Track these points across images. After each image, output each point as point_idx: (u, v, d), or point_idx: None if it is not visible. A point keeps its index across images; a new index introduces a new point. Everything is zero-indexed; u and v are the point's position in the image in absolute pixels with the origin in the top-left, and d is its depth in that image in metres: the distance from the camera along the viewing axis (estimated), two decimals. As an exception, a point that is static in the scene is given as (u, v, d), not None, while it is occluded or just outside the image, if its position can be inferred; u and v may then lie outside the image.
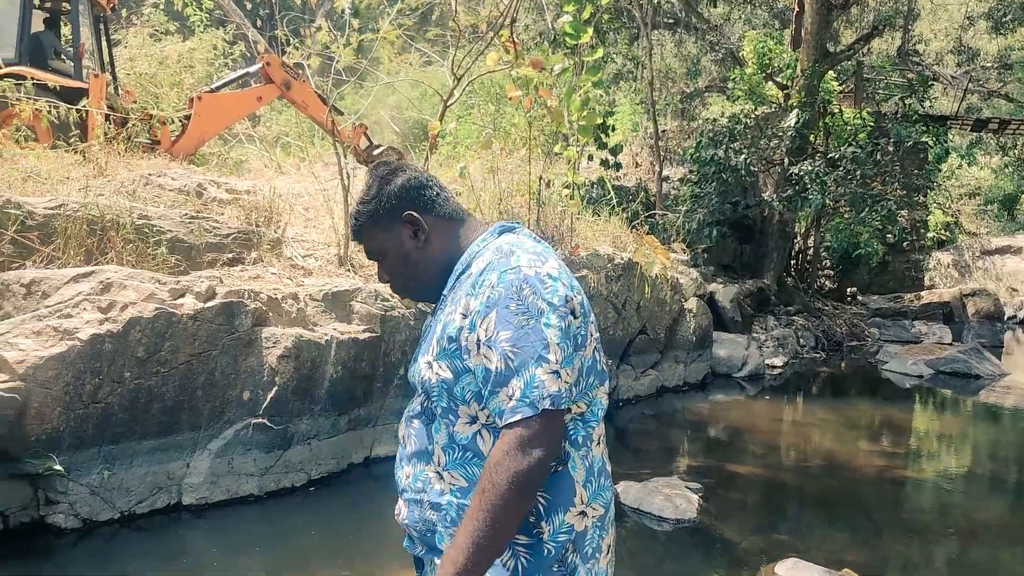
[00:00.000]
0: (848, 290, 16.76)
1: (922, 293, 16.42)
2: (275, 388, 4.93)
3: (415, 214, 1.63)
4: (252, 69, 10.35)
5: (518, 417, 1.39)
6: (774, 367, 11.23)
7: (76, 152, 7.35)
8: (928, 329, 14.52)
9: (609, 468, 1.65)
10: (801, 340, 12.75)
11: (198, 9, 13.10)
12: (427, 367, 1.55)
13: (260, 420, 4.86)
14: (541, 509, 1.49)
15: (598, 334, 1.61)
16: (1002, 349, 14.43)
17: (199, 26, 13.12)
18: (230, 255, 6.03)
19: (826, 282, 16.99)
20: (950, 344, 13.37)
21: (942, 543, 5.31)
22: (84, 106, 8.24)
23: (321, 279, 6.02)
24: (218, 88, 10.47)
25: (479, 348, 1.46)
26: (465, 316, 1.50)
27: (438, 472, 1.54)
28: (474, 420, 1.50)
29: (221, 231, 6.12)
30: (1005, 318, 17.05)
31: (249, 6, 17.88)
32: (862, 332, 14.35)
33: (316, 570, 4.20)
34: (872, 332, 14.44)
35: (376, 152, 10.75)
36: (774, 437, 8.11)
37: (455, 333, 1.51)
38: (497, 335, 1.43)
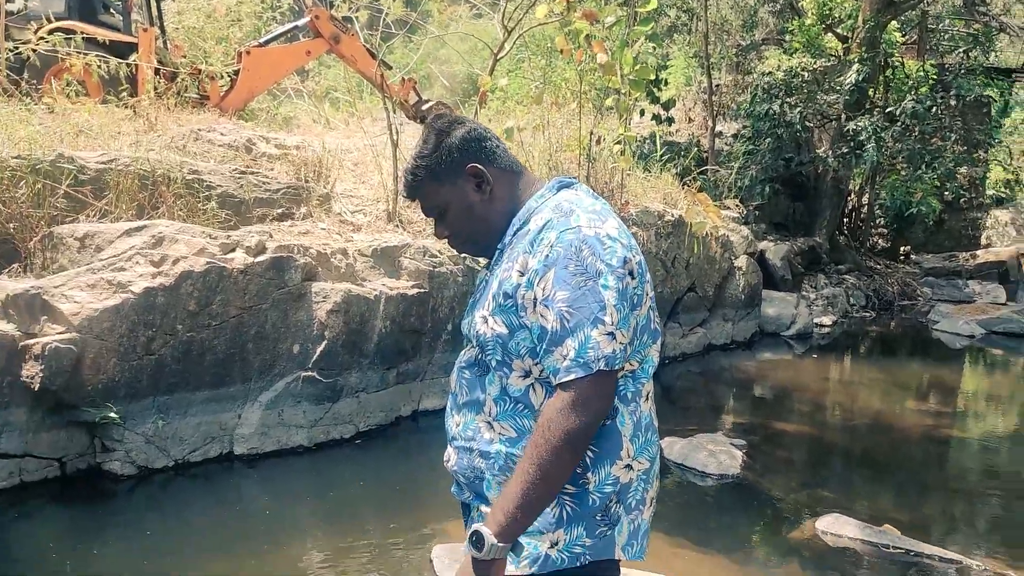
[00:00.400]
0: (902, 248, 16.28)
1: (977, 252, 15.86)
2: (324, 342, 4.99)
3: (479, 166, 1.60)
4: (300, 23, 10.29)
5: (572, 377, 1.40)
6: (823, 326, 11.04)
7: (126, 107, 7.43)
8: (982, 288, 14.07)
9: (656, 423, 1.66)
10: (851, 299, 12.48)
11: (246, -39, 13.05)
12: (482, 321, 1.55)
13: (310, 373, 4.93)
14: (588, 460, 1.50)
15: (653, 293, 1.60)
16: (1060, 310, 13.97)
17: (247, -23, 13.08)
18: (280, 210, 6.07)
19: (879, 240, 16.52)
20: (1004, 304, 12.98)
21: (985, 504, 5.22)
22: (134, 61, 8.31)
23: (370, 235, 6.03)
24: (267, 42, 10.44)
25: (535, 306, 1.46)
26: (522, 274, 1.49)
27: (488, 422, 1.55)
28: (527, 374, 1.52)
29: (271, 186, 6.16)
30: (1064, 278, 16.42)
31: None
32: (914, 291, 13.98)
33: (365, 520, 4.29)
34: (924, 291, 14.05)
35: (425, 107, 10.67)
36: (820, 396, 8.00)
37: (511, 290, 1.50)
38: (554, 295, 1.43)
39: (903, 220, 14.95)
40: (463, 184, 1.61)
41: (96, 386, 4.11)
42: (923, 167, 12.27)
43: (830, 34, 13.45)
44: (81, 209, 5.16)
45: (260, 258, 4.79)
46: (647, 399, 1.59)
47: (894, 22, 13.43)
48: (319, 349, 4.95)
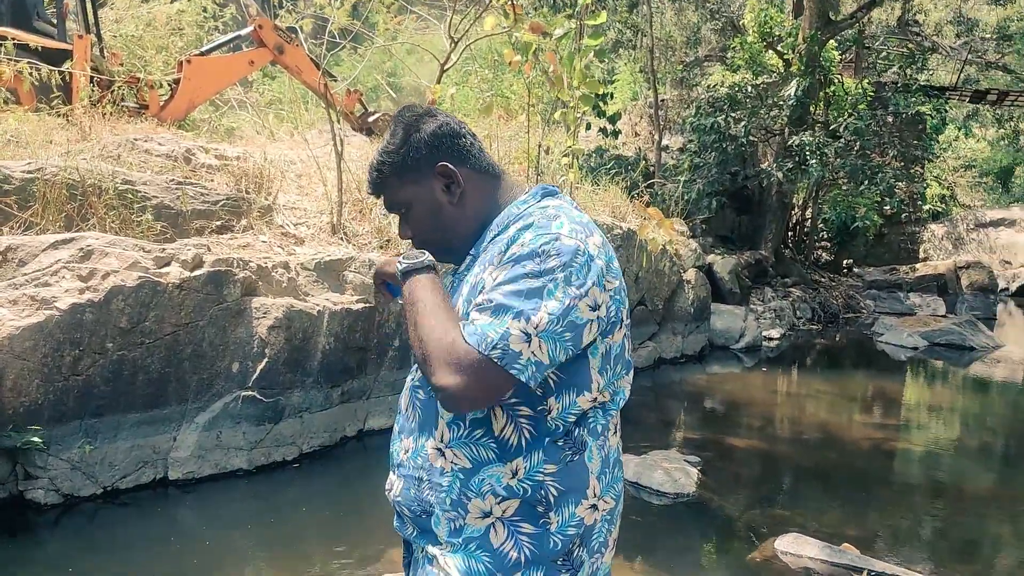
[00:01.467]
0: (844, 262, 16.67)
1: (917, 265, 16.34)
2: (265, 360, 4.78)
3: (449, 166, 1.47)
4: (243, 32, 10.06)
5: (467, 338, 1.28)
6: (771, 339, 11.15)
7: (59, 115, 7.11)
8: (923, 301, 14.46)
9: (622, 458, 1.53)
10: (798, 312, 12.66)
11: (186, -31, 12.76)
12: None
13: (250, 392, 4.71)
14: (552, 499, 1.36)
15: (629, 321, 1.47)
16: (995, 321, 14.43)
17: (188, -14, 12.77)
18: (219, 223, 5.84)
19: (823, 254, 16.88)
20: (944, 316, 13.34)
21: (937, 514, 5.26)
22: (68, 68, 7.98)
23: (313, 247, 5.84)
24: (208, 51, 10.19)
25: (481, 289, 1.35)
26: (492, 273, 1.36)
27: (439, 449, 1.40)
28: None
29: (209, 198, 5.92)
30: (998, 290, 17.01)
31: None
32: (858, 304, 14.28)
33: (308, 547, 4.09)
34: (868, 304, 14.37)
35: (371, 119, 10.51)
36: (771, 409, 8.04)
37: (481, 285, 1.38)
38: (500, 286, 1.31)
39: (846, 233, 15.30)
40: (430, 183, 1.48)
41: (17, 409, 3.84)
42: (865, 182, 12.56)
43: (771, 52, 13.72)
44: (4, 221, 4.87)
45: (197, 272, 4.56)
46: (615, 432, 1.47)
47: (832, 41, 13.77)
48: (259, 367, 4.74)
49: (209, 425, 4.56)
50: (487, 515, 1.36)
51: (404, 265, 1.43)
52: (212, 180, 6.38)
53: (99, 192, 5.17)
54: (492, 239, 1.45)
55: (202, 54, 9.93)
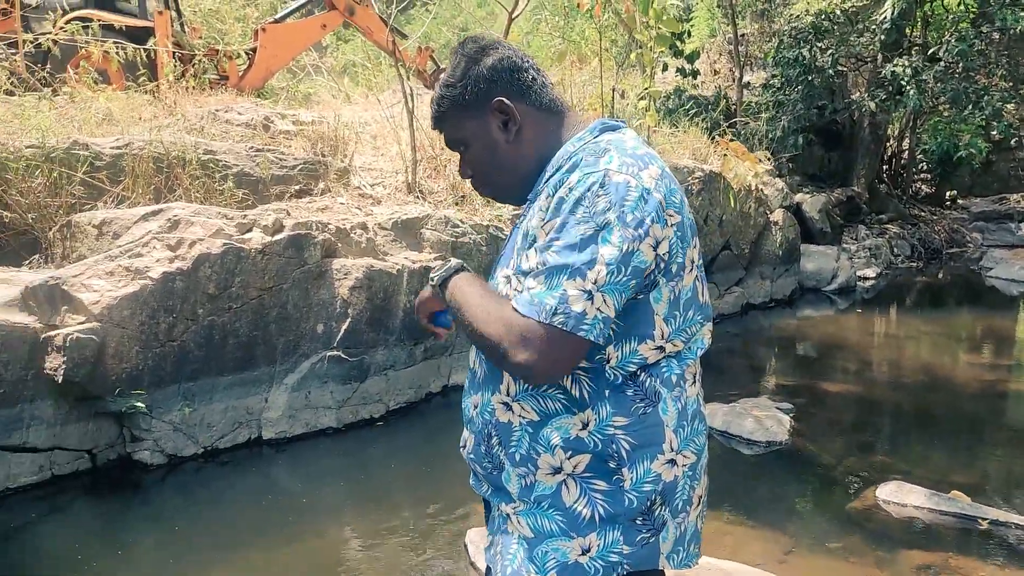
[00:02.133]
0: (948, 194, 15.72)
1: (1030, 193, 15.26)
2: (348, 320, 4.86)
3: (506, 101, 1.39)
4: None
5: (522, 310, 1.23)
6: (866, 279, 10.68)
7: (146, 92, 7.34)
8: (1037, 231, 13.56)
9: (705, 410, 1.44)
10: (895, 249, 12.07)
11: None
12: (504, 281, 1.36)
13: (335, 352, 4.81)
14: (624, 454, 1.29)
15: (701, 261, 1.38)
16: (1121, 250, 13.38)
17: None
18: (297, 187, 5.94)
19: (923, 187, 15.97)
20: (1061, 247, 12.48)
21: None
22: (151, 46, 8.20)
23: (390, 207, 5.87)
24: (282, 18, 10.31)
25: (533, 242, 1.30)
26: (542, 219, 1.30)
27: (506, 402, 1.35)
28: None
29: (287, 163, 6.02)
30: (1123, 216, 15.74)
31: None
32: (963, 238, 13.51)
33: (397, 501, 4.17)
34: (975, 237, 13.58)
35: (444, 75, 10.46)
36: (868, 352, 7.72)
37: (530, 236, 1.32)
38: (553, 240, 1.24)
39: (948, 164, 14.41)
40: (488, 119, 1.41)
41: (120, 375, 4.02)
42: (969, 107, 11.71)
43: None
44: (99, 196, 5.08)
45: (278, 237, 4.65)
46: (694, 382, 1.38)
47: (931, -45, 12.79)
48: (343, 327, 4.82)
49: (298, 385, 4.69)
50: (557, 471, 1.31)
51: (436, 278, 1.42)
52: (290, 146, 6.48)
53: (183, 163, 5.32)
54: (547, 180, 1.37)
55: (276, 21, 10.06)
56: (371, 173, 6.64)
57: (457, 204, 6.26)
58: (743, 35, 14.40)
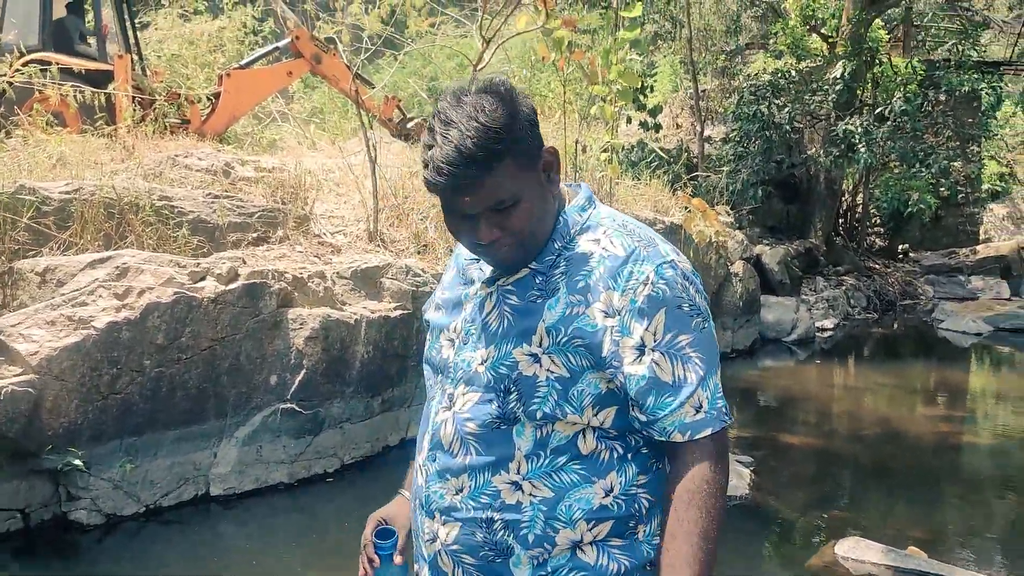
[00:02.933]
0: (900, 247, 16.09)
1: (977, 247, 15.69)
2: (303, 371, 4.73)
3: (555, 149, 1.28)
4: (281, 44, 10.14)
5: (709, 432, 1.23)
6: (825, 330, 10.80)
7: (103, 135, 7.23)
8: (985, 284, 13.89)
9: None
10: (852, 301, 12.26)
11: (226, -13, 12.94)
12: (529, 360, 1.25)
13: (289, 405, 4.67)
14: (644, 511, 1.30)
15: None
16: (1065, 303, 13.76)
17: (228, 4, 12.97)
18: (255, 235, 5.83)
19: (876, 240, 16.33)
20: (1009, 299, 12.80)
21: (1009, 512, 4.98)
22: (111, 90, 8.11)
23: (350, 256, 5.79)
24: (248, 64, 10.29)
25: (643, 353, 1.22)
26: (609, 315, 1.22)
27: (515, 483, 1.26)
28: (577, 422, 1.27)
29: (246, 210, 5.92)
30: (1066, 271, 16.25)
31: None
32: (915, 290, 13.77)
33: (351, 560, 4.00)
34: (926, 290, 13.85)
35: (410, 125, 10.50)
36: (827, 404, 7.76)
37: (591, 332, 1.23)
38: (675, 339, 1.22)
39: (899, 218, 14.78)
40: (537, 171, 1.26)
41: (57, 430, 3.85)
42: (917, 164, 12.10)
43: (814, 35, 13.32)
44: (44, 242, 4.91)
45: (232, 285, 4.54)
46: None
47: (878, 20, 13.31)
48: (298, 379, 4.70)
49: (249, 439, 4.53)
50: (576, 543, 1.27)
51: None
52: (250, 193, 6.40)
53: (136, 209, 5.20)
54: (560, 253, 1.29)
55: (241, 67, 10.04)
56: (332, 221, 6.58)
57: (419, 253, 6.21)
58: (704, 90, 14.76)
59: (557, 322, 1.24)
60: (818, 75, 12.64)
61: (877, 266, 14.40)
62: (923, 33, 16.16)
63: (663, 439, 1.24)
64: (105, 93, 7.84)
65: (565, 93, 8.30)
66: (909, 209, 12.94)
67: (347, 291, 5.27)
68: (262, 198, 6.26)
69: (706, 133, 13.63)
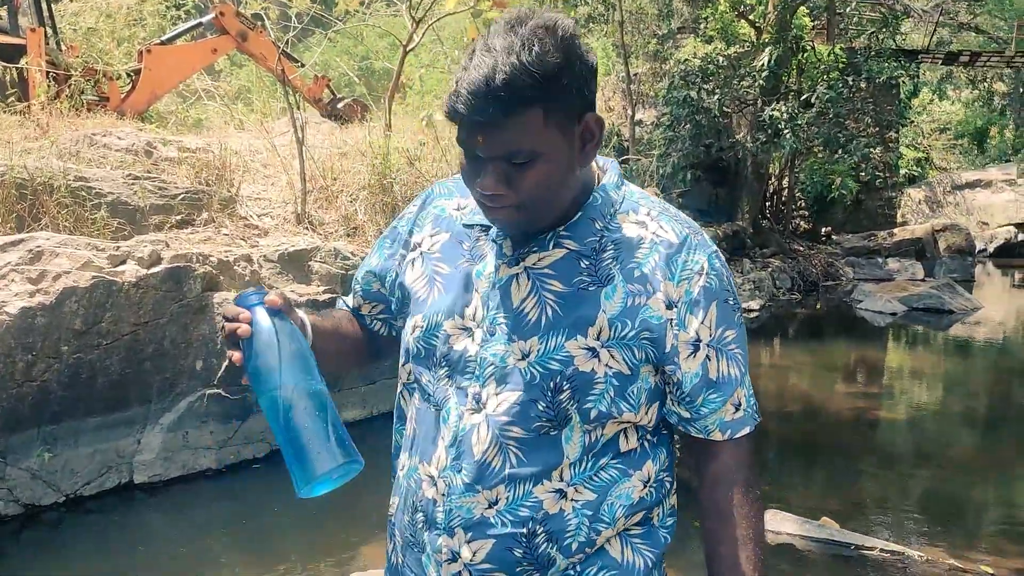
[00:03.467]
0: (823, 230, 16.68)
1: (895, 230, 16.39)
2: (230, 356, 4.65)
3: (603, 121, 1.12)
4: (205, 19, 9.83)
5: (747, 430, 1.20)
6: (751, 311, 11.12)
7: (16, 113, 6.91)
8: (901, 266, 14.53)
9: None
10: (777, 282, 12.65)
11: (146, -42, 12.45)
12: (586, 354, 1.11)
13: (215, 390, 4.59)
14: (665, 493, 1.24)
15: None
16: (973, 283, 14.51)
17: (149, -25, 12.48)
18: (179, 217, 5.68)
19: (801, 223, 16.88)
20: (923, 280, 13.40)
21: (920, 483, 5.26)
22: (23, 64, 7.75)
23: (277, 238, 5.71)
24: (169, 40, 9.94)
25: (698, 349, 1.14)
26: (668, 307, 1.12)
27: (559, 490, 1.15)
28: (629, 421, 1.18)
29: (168, 192, 5.76)
30: (976, 252, 17.12)
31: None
32: (837, 271, 14.30)
33: (283, 546, 4.00)
34: (847, 271, 14.40)
35: (340, 104, 10.33)
36: (753, 383, 8.01)
37: (658, 323, 1.12)
38: (723, 335, 1.15)
39: (823, 202, 15.30)
40: (571, 136, 1.08)
41: (-31, 420, 3.71)
42: (839, 151, 12.53)
43: (743, 21, 13.61)
44: (-49, 225, 4.71)
45: (154, 269, 4.43)
46: None
47: (803, 7, 13.68)
48: (224, 364, 4.61)
49: (175, 425, 4.45)
50: (610, 539, 1.20)
51: None
52: (173, 173, 6.22)
53: (50, 190, 5.01)
54: (602, 235, 1.15)
55: (162, 43, 9.70)
56: (259, 203, 6.46)
57: (348, 236, 6.15)
58: (636, 74, 14.94)
59: (621, 314, 1.12)
60: (746, 61, 12.94)
61: (802, 248, 14.89)
62: (846, 21, 16.66)
63: (701, 436, 1.19)
64: (17, 68, 7.50)
65: (497, 75, 8.29)
66: (832, 194, 13.42)
67: (274, 274, 5.20)
68: (186, 179, 6.10)
69: (637, 117, 13.82)
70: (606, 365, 1.11)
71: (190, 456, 4.52)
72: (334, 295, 5.24)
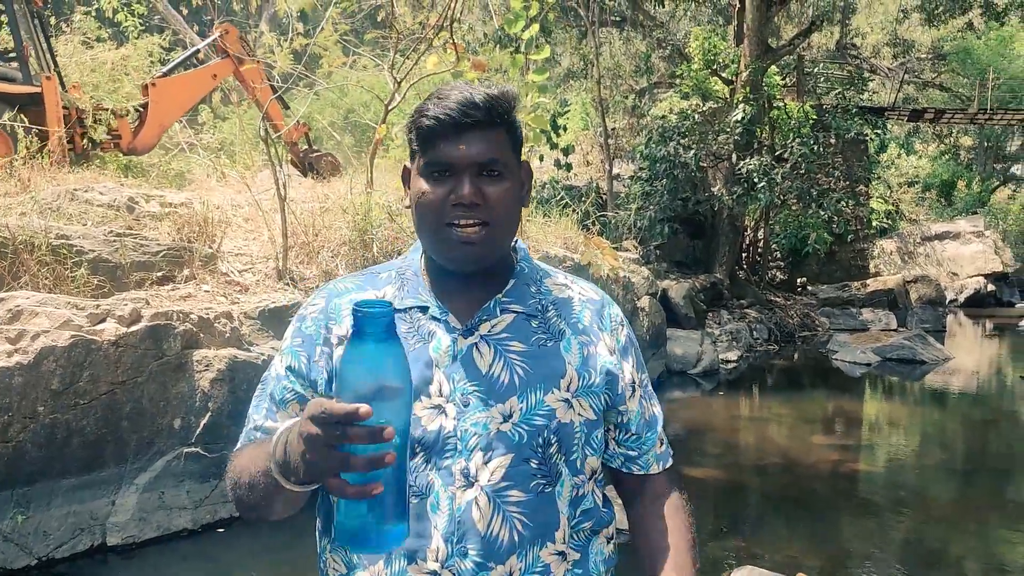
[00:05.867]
0: (798, 281, 16.95)
1: (868, 281, 16.69)
2: (208, 414, 4.65)
3: (531, 169, 1.27)
4: (207, 41, 9.97)
5: (671, 461, 1.36)
6: (729, 362, 11.22)
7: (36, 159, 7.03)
8: (875, 316, 14.76)
9: None
10: (755, 333, 12.79)
11: (131, 15, 12.63)
12: (564, 406, 1.16)
13: (193, 449, 4.57)
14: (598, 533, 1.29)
15: None
16: (944, 333, 14.74)
17: (133, 32, 12.65)
18: (160, 274, 5.71)
19: (777, 274, 17.14)
20: (896, 330, 13.61)
21: (897, 535, 5.28)
22: (63, 131, 7.90)
23: (258, 295, 5.74)
24: (170, 71, 10.04)
25: (634, 391, 1.28)
26: (611, 352, 1.24)
27: (560, 552, 1.15)
28: (593, 472, 1.24)
29: (150, 248, 5.80)
30: (947, 302, 17.43)
31: (186, 12, 17.33)
32: (813, 322, 14.48)
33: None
34: (823, 322, 14.59)
35: (314, 155, 10.45)
36: (729, 435, 8.06)
37: (609, 368, 1.22)
38: (643, 378, 1.32)
39: (798, 253, 15.57)
40: (519, 172, 1.21)
41: (-58, 482, 3.67)
42: (812, 205, 12.84)
43: (716, 78, 14.01)
44: (-70, 283, 4.71)
45: (134, 328, 4.44)
46: None
47: (774, 66, 14.12)
48: (203, 422, 4.61)
49: (150, 485, 4.41)
50: None
51: None
52: (155, 229, 6.26)
53: (31, 248, 5.03)
54: (538, 298, 1.23)
55: (164, 75, 9.80)
56: (240, 259, 6.49)
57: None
58: (613, 129, 15.26)
59: (583, 364, 1.19)
60: (720, 117, 13.29)
61: (778, 299, 15.09)
62: (814, 80, 17.20)
63: (642, 472, 1.31)
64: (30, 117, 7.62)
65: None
66: (807, 248, 13.68)
67: (255, 331, 5.22)
68: (167, 235, 6.14)
69: (615, 170, 14.08)
70: (578, 414, 1.18)
71: (165, 516, 4.47)
72: (314, 352, 5.25)
